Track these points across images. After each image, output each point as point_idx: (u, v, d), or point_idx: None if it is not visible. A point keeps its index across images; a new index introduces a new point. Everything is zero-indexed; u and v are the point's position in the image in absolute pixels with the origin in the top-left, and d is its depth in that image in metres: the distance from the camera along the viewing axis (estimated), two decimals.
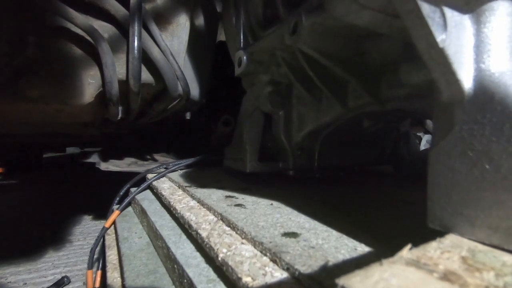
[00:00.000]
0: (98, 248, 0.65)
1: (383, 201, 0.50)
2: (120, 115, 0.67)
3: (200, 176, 0.71)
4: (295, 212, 0.42)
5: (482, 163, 0.21)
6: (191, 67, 0.78)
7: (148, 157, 1.08)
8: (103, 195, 0.84)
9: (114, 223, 0.65)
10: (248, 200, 0.49)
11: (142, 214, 0.59)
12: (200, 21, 0.81)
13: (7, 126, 0.77)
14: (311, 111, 0.58)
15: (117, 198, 0.74)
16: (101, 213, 0.74)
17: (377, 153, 0.72)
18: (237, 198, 0.50)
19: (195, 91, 0.81)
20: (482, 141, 0.22)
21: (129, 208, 0.71)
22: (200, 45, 0.82)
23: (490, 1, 0.21)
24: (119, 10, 0.55)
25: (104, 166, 0.87)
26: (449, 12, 0.21)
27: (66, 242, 1.16)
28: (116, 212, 0.64)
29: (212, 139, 0.95)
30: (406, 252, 0.19)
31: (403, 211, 0.44)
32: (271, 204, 0.46)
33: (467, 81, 0.22)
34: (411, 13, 0.21)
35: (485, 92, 0.21)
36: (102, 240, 0.65)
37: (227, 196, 0.51)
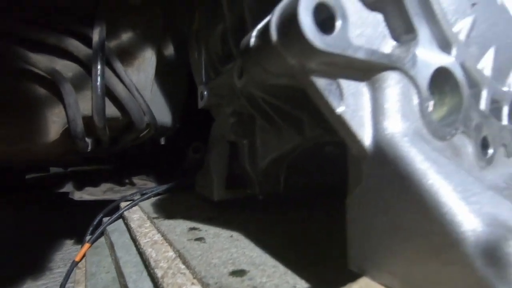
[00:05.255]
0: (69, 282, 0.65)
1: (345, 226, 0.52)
2: (90, 147, 0.69)
3: (171, 204, 0.72)
4: (251, 245, 0.44)
5: (382, 214, 0.24)
6: (162, 96, 0.80)
7: (127, 181, 1.09)
8: (86, 217, 0.83)
9: (85, 255, 0.65)
10: (210, 232, 0.50)
11: (111, 247, 0.60)
12: (169, 50, 0.83)
13: None
14: (273, 140, 0.61)
15: (90, 228, 0.74)
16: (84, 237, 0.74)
17: (343, 173, 0.75)
18: (200, 230, 0.52)
19: (166, 118, 0.83)
20: (381, 194, 0.24)
21: (102, 239, 0.72)
22: (171, 73, 0.84)
23: (381, 71, 0.24)
24: (82, 50, 0.57)
25: (78, 195, 0.87)
26: (345, 83, 0.24)
27: (46, 269, 1.14)
28: (86, 245, 0.64)
29: (184, 165, 0.96)
30: None
31: None
32: (231, 236, 0.48)
33: (367, 140, 0.25)
34: (310, 86, 0.23)
35: (381, 151, 0.24)
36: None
37: (190, 229, 0.52)
